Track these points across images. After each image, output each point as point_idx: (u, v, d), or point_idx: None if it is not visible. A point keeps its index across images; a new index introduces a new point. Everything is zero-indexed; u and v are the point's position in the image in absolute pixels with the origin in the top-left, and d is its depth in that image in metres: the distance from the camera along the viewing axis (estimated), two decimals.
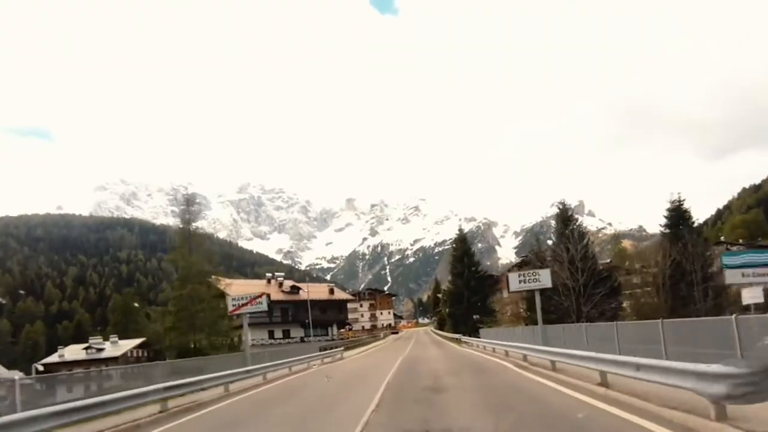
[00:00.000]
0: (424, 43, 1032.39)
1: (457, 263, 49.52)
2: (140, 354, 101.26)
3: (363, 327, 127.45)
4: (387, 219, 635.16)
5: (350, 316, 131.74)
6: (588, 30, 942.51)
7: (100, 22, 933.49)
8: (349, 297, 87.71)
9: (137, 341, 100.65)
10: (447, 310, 49.53)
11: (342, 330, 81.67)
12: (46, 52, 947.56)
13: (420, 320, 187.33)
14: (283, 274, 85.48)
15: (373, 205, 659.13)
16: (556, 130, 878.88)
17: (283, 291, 78.75)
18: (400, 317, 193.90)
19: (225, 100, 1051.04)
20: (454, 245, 50.84)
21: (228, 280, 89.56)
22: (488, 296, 48.71)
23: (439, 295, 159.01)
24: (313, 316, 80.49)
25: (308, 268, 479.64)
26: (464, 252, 49.65)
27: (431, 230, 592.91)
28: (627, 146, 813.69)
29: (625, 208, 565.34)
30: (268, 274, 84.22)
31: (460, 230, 51.01)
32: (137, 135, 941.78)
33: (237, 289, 79.99)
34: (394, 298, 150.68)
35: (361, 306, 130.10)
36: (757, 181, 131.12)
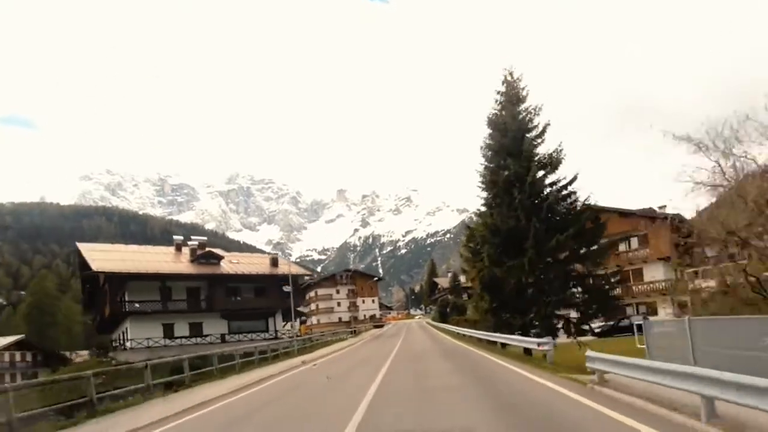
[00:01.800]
0: (415, 31, 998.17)
1: (501, 154, 18.69)
2: (18, 358, 70.06)
3: (340, 318, 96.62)
4: (378, 210, 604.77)
5: (323, 304, 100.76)
6: (582, 21, 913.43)
7: (85, 9, 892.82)
8: (304, 271, 56.71)
9: (11, 339, 69.48)
10: (480, 271, 18.41)
11: (287, 324, 50.37)
12: (25, 39, 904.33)
13: (412, 311, 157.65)
14: (204, 238, 54.27)
15: (364, 196, 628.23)
16: (547, 120, 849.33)
17: (194, 262, 47.64)
18: (390, 308, 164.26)
19: (213, 90, 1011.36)
20: (492, 113, 19.69)
21: (105, 246, 58.57)
22: (596, 234, 18.11)
23: (436, 280, 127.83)
24: (244, 302, 49.37)
25: (299, 260, 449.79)
26: (519, 127, 18.70)
27: (423, 221, 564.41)
28: (619, 139, 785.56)
29: (619, 199, 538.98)
30: (177, 238, 52.94)
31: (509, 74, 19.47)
32: (123, 124, 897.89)
33: (117, 254, 48.80)
34: (379, 281, 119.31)
35: (337, 292, 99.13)
36: None
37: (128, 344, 42.91)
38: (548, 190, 19.45)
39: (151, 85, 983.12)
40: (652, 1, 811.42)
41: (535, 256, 17.81)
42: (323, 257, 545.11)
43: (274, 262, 50.93)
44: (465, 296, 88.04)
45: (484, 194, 20.79)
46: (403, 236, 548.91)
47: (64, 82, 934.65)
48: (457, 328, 37.88)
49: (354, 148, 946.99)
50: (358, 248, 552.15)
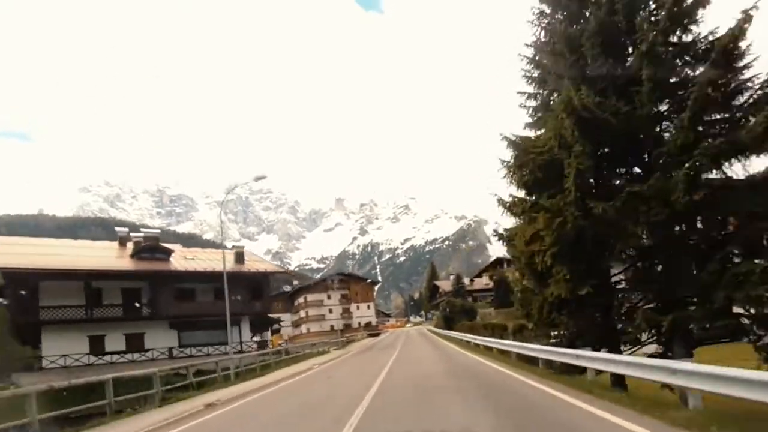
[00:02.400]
0: (410, 41, 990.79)
1: None
2: None
3: (332, 326, 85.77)
4: (377, 218, 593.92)
5: (313, 311, 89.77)
6: None
7: (80, 20, 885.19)
8: (274, 268, 45.57)
9: None
10: (554, 217, 8.39)
11: (257, 336, 39.65)
12: (19, 50, 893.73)
13: (411, 318, 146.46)
14: (156, 231, 43.83)
15: (362, 205, 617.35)
16: None
17: (135, 257, 37.06)
18: (388, 315, 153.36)
19: (211, 100, 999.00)
20: None
21: (21, 239, 47.03)
22: None
23: (437, 283, 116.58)
24: (200, 307, 38.65)
25: (298, 269, 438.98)
26: None
27: (422, 229, 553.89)
28: None
29: None
30: (121, 230, 42.35)
31: None
32: (120, 135, 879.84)
33: (31, 248, 37.74)
34: (375, 285, 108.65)
35: (329, 298, 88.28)
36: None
37: (44, 362, 32.32)
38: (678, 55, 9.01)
39: (147, 97, 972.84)
40: None
41: (692, 171, 7.31)
42: (322, 266, 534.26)
43: (240, 258, 40.29)
44: (470, 299, 77.39)
45: (533, 88, 10.42)
46: (402, 244, 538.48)
47: (59, 96, 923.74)
48: (470, 336, 27.39)
49: (352, 157, 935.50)
50: (357, 256, 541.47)
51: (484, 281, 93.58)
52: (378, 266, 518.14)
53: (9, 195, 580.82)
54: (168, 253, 37.82)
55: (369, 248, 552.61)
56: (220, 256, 42.89)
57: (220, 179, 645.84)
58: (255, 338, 44.84)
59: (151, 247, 37.07)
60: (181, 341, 37.04)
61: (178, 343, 36.84)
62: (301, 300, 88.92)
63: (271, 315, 43.64)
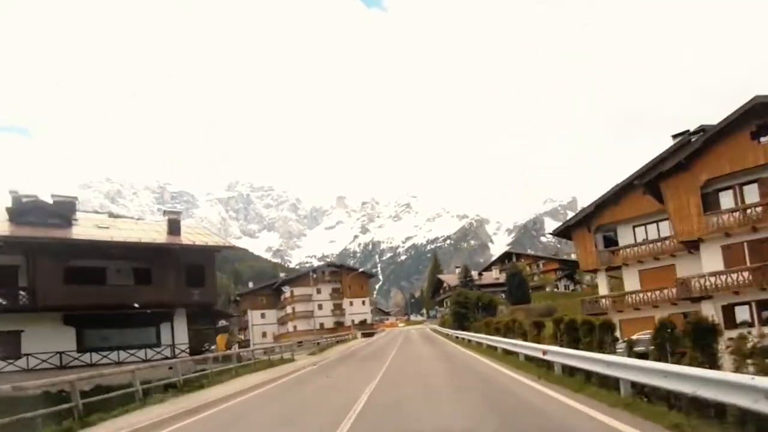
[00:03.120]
0: (413, 38, 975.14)
1: None
2: None
3: (322, 324, 74.40)
4: (378, 216, 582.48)
5: (300, 307, 78.26)
6: (583, 27, 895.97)
7: (82, 18, 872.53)
8: (224, 244, 33.20)
9: None
10: None
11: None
12: (20, 46, 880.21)
13: (412, 317, 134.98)
14: (73, 197, 32.15)
15: (363, 203, 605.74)
16: (548, 126, 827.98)
17: (14, 222, 25.45)
18: (387, 313, 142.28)
19: (212, 97, 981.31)
20: None
21: None
22: None
23: (441, 277, 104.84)
24: (114, 295, 27.25)
25: (298, 267, 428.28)
26: None
27: (423, 227, 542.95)
28: (619, 144, 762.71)
29: None
30: (13, 191, 30.76)
31: None
32: (122, 132, 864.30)
33: None
34: (371, 279, 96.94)
35: (318, 292, 76.60)
36: None
37: None
38: None
39: (149, 92, 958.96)
40: (653, 19, 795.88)
41: None
42: (323, 264, 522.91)
43: (174, 227, 28.57)
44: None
45: None
46: (403, 242, 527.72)
47: (60, 90, 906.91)
48: (533, 345, 15.82)
49: (353, 155, 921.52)
50: (358, 255, 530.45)
51: (493, 275, 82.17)
52: (379, 265, 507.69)
53: (8, 191, 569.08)
54: (66, 218, 26.26)
55: (370, 246, 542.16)
56: (148, 226, 31.33)
57: (222, 177, 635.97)
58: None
59: (39, 209, 25.49)
60: (83, 343, 25.53)
61: (76, 345, 25.32)
62: (287, 294, 77.43)
63: (221, 310, 32.18)
